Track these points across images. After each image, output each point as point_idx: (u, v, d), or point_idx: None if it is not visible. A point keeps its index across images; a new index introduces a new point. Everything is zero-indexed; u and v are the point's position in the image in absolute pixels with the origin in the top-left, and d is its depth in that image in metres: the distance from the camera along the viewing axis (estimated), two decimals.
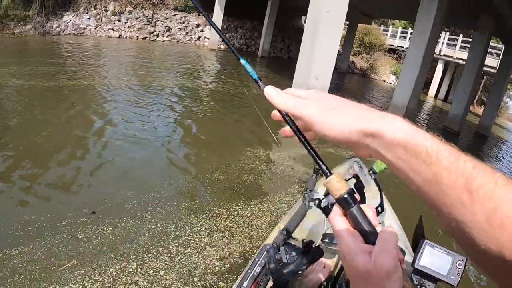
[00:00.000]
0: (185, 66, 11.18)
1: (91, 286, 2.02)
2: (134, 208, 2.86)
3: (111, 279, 2.09)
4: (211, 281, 2.31)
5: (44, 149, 3.80)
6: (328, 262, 1.33)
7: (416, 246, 1.41)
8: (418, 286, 0.98)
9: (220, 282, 2.35)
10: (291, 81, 6.57)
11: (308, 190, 1.48)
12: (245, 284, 1.12)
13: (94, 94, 6.18)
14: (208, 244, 2.61)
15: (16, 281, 1.98)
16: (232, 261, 2.57)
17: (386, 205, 1.62)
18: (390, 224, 1.56)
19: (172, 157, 4.14)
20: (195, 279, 2.28)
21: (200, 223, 2.80)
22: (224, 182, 3.56)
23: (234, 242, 2.74)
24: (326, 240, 1.16)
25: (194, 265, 2.37)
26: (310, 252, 1.03)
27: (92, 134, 4.39)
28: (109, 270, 2.15)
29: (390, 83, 19.09)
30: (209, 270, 2.39)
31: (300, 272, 1.07)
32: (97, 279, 2.08)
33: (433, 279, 0.95)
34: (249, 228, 2.98)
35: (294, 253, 1.18)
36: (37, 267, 2.10)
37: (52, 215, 2.60)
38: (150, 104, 6.19)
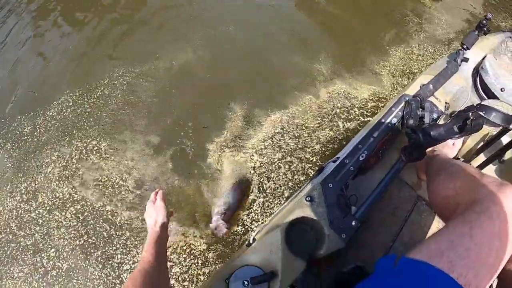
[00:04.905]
0: None
1: None
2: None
3: None
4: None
5: None
6: (459, 140, 1.09)
7: None
8: None
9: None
10: None
11: (464, 47, 1.25)
12: (375, 134, 1.00)
13: None
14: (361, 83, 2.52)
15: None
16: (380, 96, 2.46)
17: None
18: None
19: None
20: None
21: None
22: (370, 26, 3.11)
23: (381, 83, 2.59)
24: (482, 113, 0.92)
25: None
26: (468, 122, 0.81)
27: None
28: None
29: None
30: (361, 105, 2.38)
31: (445, 140, 0.88)
32: None
33: None
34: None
35: (435, 115, 1.01)
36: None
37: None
38: None
